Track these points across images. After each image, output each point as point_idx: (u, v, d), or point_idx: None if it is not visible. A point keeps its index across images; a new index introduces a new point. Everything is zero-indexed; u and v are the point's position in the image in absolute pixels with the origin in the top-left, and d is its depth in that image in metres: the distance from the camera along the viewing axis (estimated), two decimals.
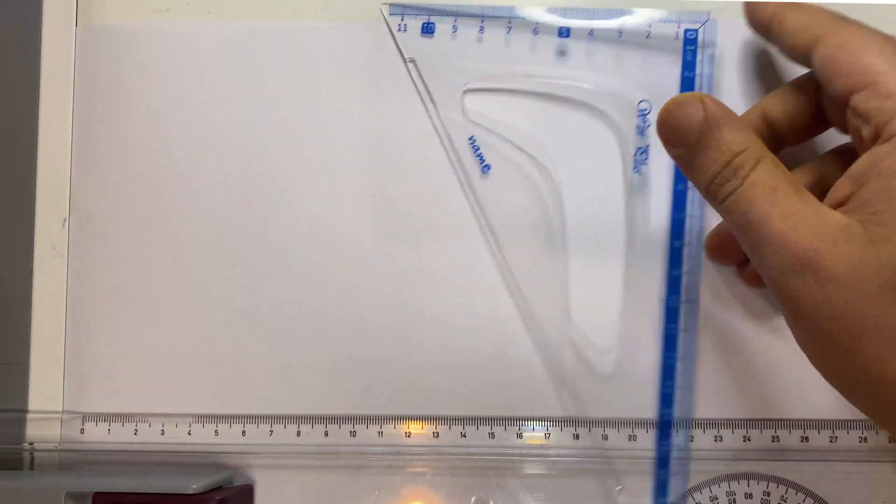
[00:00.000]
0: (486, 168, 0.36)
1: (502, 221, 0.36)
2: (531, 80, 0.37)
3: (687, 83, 0.36)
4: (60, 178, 0.38)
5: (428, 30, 0.37)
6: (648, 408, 0.36)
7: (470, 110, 0.37)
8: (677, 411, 0.36)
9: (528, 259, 0.36)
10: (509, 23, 0.37)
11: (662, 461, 0.36)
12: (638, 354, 0.36)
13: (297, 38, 0.38)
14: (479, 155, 0.36)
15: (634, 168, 0.36)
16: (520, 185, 0.37)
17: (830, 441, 0.36)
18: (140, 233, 0.38)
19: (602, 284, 0.36)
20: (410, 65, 0.37)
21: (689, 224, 0.36)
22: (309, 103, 0.38)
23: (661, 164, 0.36)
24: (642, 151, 0.36)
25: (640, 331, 0.36)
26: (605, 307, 0.37)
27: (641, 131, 0.36)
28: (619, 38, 0.36)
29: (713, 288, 0.36)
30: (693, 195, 0.36)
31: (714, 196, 0.28)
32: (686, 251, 0.36)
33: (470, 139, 0.36)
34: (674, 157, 0.29)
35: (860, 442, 0.36)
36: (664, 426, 0.36)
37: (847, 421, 0.36)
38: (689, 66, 0.36)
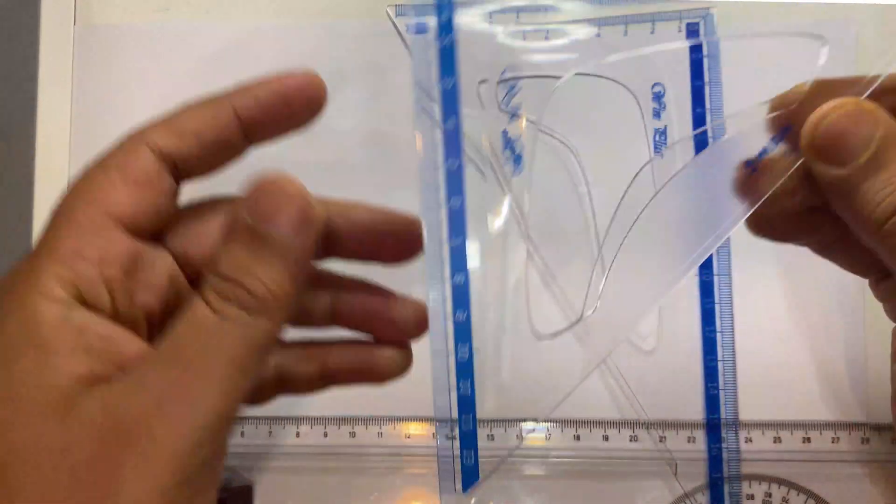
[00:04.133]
0: (513, 160, 0.37)
1: (531, 211, 0.36)
2: (546, 68, 0.37)
3: (696, 65, 0.37)
4: (59, 178, 0.38)
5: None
6: (692, 384, 0.36)
7: (486, 103, 0.37)
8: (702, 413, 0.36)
9: (563, 248, 0.36)
10: (517, 16, 0.37)
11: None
12: (677, 332, 0.36)
13: (297, 38, 0.38)
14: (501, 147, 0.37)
15: (655, 150, 0.37)
16: (544, 173, 0.36)
17: (833, 442, 0.35)
18: None
19: (638, 266, 0.37)
20: None
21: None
22: None
23: (681, 144, 0.36)
24: (661, 133, 0.37)
25: (677, 309, 0.37)
26: (643, 290, 0.37)
27: (657, 114, 0.37)
28: (625, 37, 0.37)
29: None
30: None
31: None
32: None
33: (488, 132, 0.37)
34: (825, 177, 0.23)
35: (862, 443, 0.35)
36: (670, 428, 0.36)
37: (849, 423, 0.36)
38: (695, 50, 0.37)
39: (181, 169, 0.22)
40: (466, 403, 0.26)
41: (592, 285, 0.29)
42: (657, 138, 0.37)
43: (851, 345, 0.36)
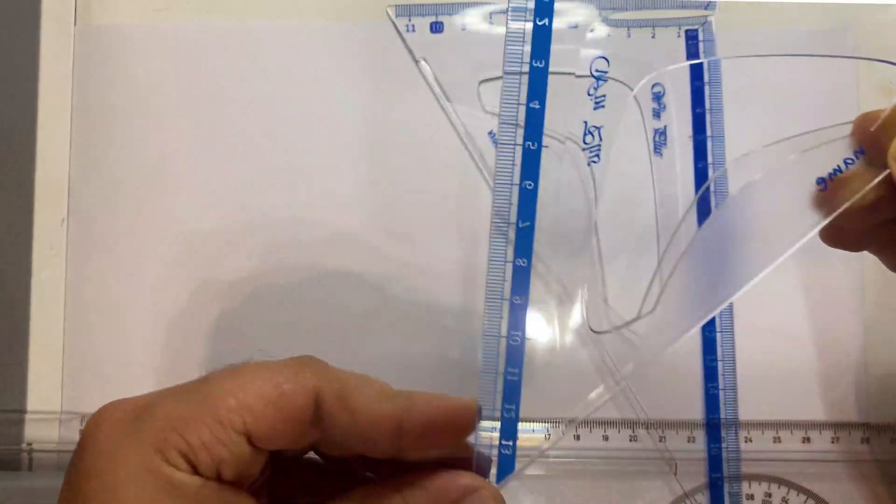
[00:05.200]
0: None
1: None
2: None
3: (695, 66, 0.37)
4: (59, 178, 0.38)
5: (437, 28, 0.37)
6: (692, 384, 0.36)
7: (487, 102, 0.37)
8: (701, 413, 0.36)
9: (561, 249, 0.36)
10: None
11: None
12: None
13: (297, 38, 0.38)
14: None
15: (655, 150, 0.36)
16: (546, 174, 0.36)
17: (832, 442, 0.35)
18: (139, 232, 0.38)
19: (636, 266, 0.36)
20: (422, 64, 0.37)
21: (714, 200, 0.36)
22: (310, 103, 0.38)
23: (680, 144, 0.36)
24: (660, 133, 0.37)
25: (676, 310, 0.36)
26: (641, 289, 0.37)
27: (657, 114, 0.37)
28: (628, 38, 0.37)
29: None
30: (714, 171, 0.36)
31: None
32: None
33: (490, 133, 0.37)
34: None
35: (862, 443, 0.35)
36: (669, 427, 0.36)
37: (849, 423, 0.35)
38: (693, 58, 0.37)
39: (327, 430, 0.23)
40: (513, 391, 0.26)
41: (653, 286, 0.29)
42: (657, 138, 0.37)
43: (851, 345, 0.36)
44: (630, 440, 0.36)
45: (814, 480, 0.36)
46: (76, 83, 0.38)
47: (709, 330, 0.36)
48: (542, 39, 0.28)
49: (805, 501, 0.36)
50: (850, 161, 0.26)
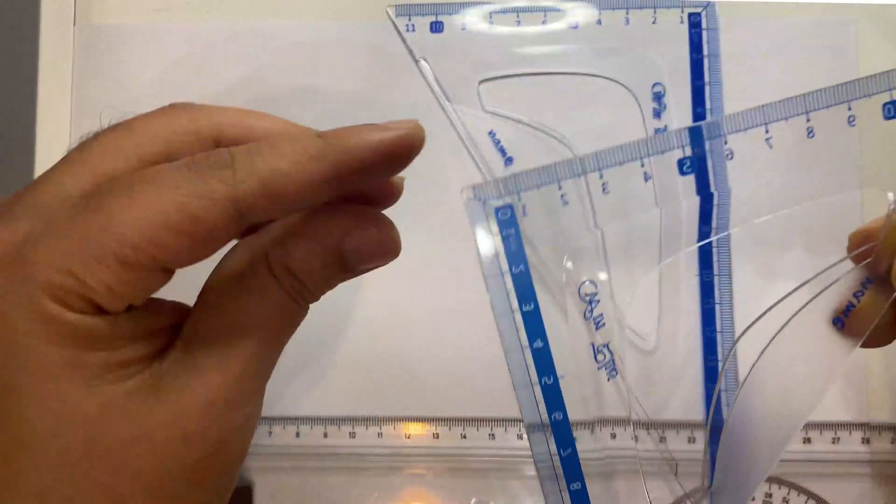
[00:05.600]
0: (508, 161, 0.37)
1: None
2: (545, 68, 0.37)
3: (696, 65, 0.37)
4: None
5: (437, 28, 0.37)
6: (692, 384, 0.36)
7: (487, 102, 0.37)
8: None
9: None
10: (517, 17, 0.37)
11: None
12: (677, 332, 0.37)
13: (297, 38, 0.38)
14: (500, 147, 0.37)
15: None
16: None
17: (833, 442, 0.35)
18: None
19: (639, 268, 0.37)
20: (422, 64, 0.37)
21: (716, 198, 0.36)
22: (310, 103, 0.38)
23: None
24: (661, 132, 0.37)
25: (678, 309, 0.37)
26: (644, 289, 0.37)
27: (657, 114, 0.37)
28: (627, 25, 0.37)
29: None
30: (715, 170, 0.36)
31: None
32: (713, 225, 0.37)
33: (490, 133, 0.37)
34: None
35: (862, 443, 0.35)
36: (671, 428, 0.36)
37: (849, 423, 0.35)
38: (696, 47, 0.37)
39: (255, 220, 0.20)
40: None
41: (705, 458, 0.30)
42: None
43: None
44: (630, 440, 0.36)
45: (814, 480, 0.36)
46: (76, 83, 0.38)
47: (709, 330, 0.36)
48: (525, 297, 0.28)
49: (805, 501, 0.35)
50: (860, 293, 0.27)
